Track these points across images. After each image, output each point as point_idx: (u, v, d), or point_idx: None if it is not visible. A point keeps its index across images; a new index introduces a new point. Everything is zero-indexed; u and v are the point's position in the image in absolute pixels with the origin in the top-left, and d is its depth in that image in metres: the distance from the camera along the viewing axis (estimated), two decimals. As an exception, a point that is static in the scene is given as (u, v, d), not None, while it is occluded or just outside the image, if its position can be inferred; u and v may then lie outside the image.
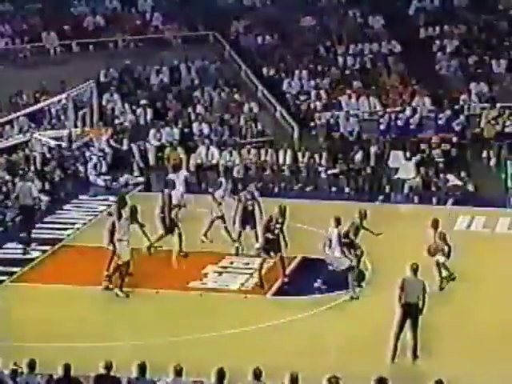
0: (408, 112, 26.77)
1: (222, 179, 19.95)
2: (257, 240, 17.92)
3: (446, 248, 16.84)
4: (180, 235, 17.98)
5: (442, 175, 23.50)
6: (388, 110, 27.12)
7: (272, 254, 17.23)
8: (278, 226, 17.20)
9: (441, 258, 16.84)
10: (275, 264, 17.91)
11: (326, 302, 16.34)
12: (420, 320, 14.02)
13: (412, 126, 26.40)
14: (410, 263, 14.62)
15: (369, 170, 23.93)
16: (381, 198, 23.12)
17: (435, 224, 17.04)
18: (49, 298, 16.71)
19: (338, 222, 16.79)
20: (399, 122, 26.51)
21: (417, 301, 14.01)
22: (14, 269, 18.10)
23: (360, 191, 23.66)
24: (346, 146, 25.24)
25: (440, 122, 26.37)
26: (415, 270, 14.27)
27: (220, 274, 17.82)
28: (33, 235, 19.46)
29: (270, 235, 17.09)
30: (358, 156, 24.32)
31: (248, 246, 18.55)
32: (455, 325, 15.36)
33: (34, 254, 18.77)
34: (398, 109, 27.12)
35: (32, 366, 11.71)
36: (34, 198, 19.55)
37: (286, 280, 17.31)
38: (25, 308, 16.15)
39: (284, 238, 17.27)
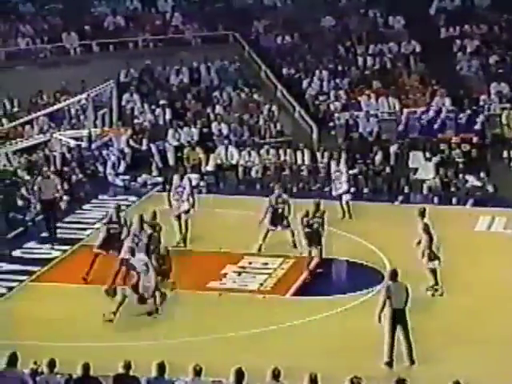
0: (428, 112, 26.70)
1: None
2: (293, 239, 18.14)
3: (424, 241, 16.38)
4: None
5: (461, 176, 23.42)
6: (408, 110, 27.06)
7: (313, 247, 17.36)
8: (315, 220, 17.39)
9: (432, 264, 16.54)
10: (294, 264, 17.96)
11: (346, 302, 16.32)
12: (409, 324, 13.95)
13: (432, 127, 26.32)
14: (388, 269, 14.63)
15: (388, 171, 23.88)
16: (400, 198, 23.07)
17: (422, 214, 16.74)
18: (68, 297, 16.78)
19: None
20: (419, 123, 26.43)
21: (404, 306, 13.95)
22: (34, 268, 18.21)
23: (379, 192, 23.63)
24: (365, 147, 25.20)
25: (460, 123, 26.27)
26: (395, 275, 14.20)
27: (239, 274, 17.84)
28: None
29: (307, 229, 17.36)
30: (378, 157, 24.27)
31: (268, 246, 18.56)
32: (471, 328, 15.29)
33: (54, 254, 18.86)
34: (417, 109, 27.04)
35: (52, 365, 11.76)
36: (57, 191, 19.71)
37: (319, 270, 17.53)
38: (44, 307, 16.22)
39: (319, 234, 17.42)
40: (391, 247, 18.35)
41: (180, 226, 18.90)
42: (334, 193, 20.29)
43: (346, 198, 20.10)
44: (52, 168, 23.67)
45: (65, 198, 22.55)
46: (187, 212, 18.87)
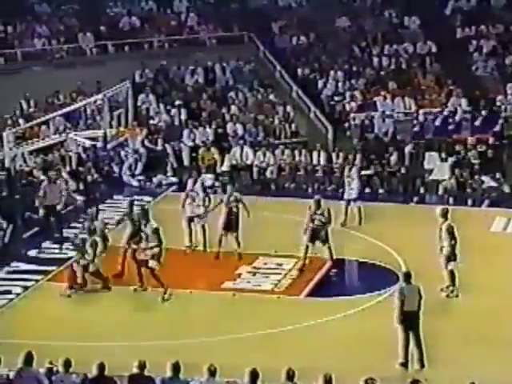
0: (444, 113, 26.64)
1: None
2: (237, 243, 18.10)
3: (448, 242, 16.26)
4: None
5: (477, 176, 23.36)
6: (423, 110, 27.00)
7: (317, 242, 17.46)
8: (317, 216, 17.36)
9: (451, 265, 16.48)
10: (309, 264, 17.96)
11: (360, 303, 16.30)
12: (421, 327, 13.90)
13: (448, 127, 26.25)
14: (402, 271, 14.59)
15: (403, 171, 23.84)
16: (415, 199, 23.02)
17: (445, 215, 16.47)
18: (84, 297, 16.85)
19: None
20: (435, 123, 26.38)
21: (416, 308, 13.90)
22: (50, 268, 18.29)
23: (394, 192, 23.60)
24: (381, 147, 25.17)
25: (476, 123, 26.20)
26: (409, 277, 14.15)
27: (253, 274, 17.85)
28: (68, 234, 19.70)
29: (310, 224, 17.46)
30: (394, 157, 24.23)
31: (282, 247, 18.54)
32: (487, 329, 15.23)
33: (70, 254, 18.92)
34: (433, 110, 26.98)
35: (67, 365, 11.81)
36: (62, 196, 19.73)
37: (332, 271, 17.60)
38: (60, 307, 16.30)
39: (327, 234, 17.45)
40: (406, 248, 18.32)
41: (190, 230, 18.87)
42: (344, 197, 20.21)
43: (356, 203, 19.96)
44: (67, 168, 23.78)
45: (80, 198, 22.72)
46: (201, 217, 18.86)
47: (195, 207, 18.78)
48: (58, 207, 19.76)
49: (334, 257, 17.84)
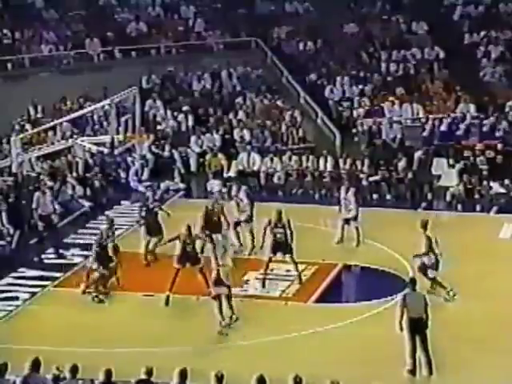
0: (452, 119, 26.62)
1: None
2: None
3: (431, 252, 16.48)
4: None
5: (485, 182, 23.32)
6: (431, 116, 27.00)
7: (279, 254, 17.46)
8: (278, 230, 17.41)
9: (431, 273, 16.56)
10: (317, 271, 17.96)
11: (368, 309, 16.29)
12: (428, 334, 13.88)
13: (456, 133, 26.23)
14: (409, 277, 14.59)
15: (411, 177, 23.82)
16: (423, 205, 23.01)
17: (424, 226, 16.75)
18: (90, 303, 16.88)
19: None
20: (443, 129, 26.37)
21: (421, 315, 13.88)
22: (57, 274, 18.33)
23: (402, 198, 23.59)
24: (389, 153, 25.16)
25: (484, 129, 26.17)
26: (413, 284, 14.15)
27: (263, 283, 17.82)
28: (73, 240, 19.78)
29: (272, 239, 17.45)
30: (402, 163, 24.22)
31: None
32: (495, 336, 15.20)
33: (76, 260, 18.95)
34: (441, 115, 26.97)
35: (74, 370, 11.82)
36: (54, 208, 19.76)
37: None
38: (67, 313, 16.33)
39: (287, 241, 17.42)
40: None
41: (237, 232, 19.12)
42: (342, 216, 19.93)
43: (354, 224, 19.82)
44: (74, 174, 23.84)
45: (87, 204, 22.78)
46: (247, 221, 19.09)
47: (240, 213, 19.05)
48: (54, 219, 19.78)
49: (299, 271, 17.69)
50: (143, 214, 19.07)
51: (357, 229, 19.57)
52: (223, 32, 30.91)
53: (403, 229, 20.23)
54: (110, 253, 17.19)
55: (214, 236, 18.09)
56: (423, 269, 16.56)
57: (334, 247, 19.32)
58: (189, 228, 16.89)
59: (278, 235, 17.51)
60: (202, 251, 17.61)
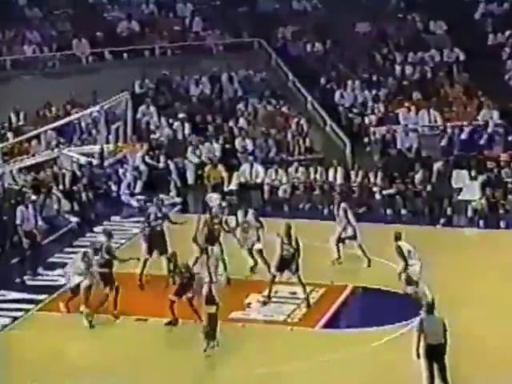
0: (473, 127, 26.71)
1: None
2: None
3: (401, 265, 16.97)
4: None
5: (510, 197, 23.40)
6: (451, 124, 27.11)
7: (287, 273, 17.49)
8: (285, 247, 17.48)
9: (410, 289, 16.91)
10: (326, 293, 18.03)
11: (382, 335, 16.32)
12: (447, 362, 13.94)
13: (478, 142, 26.32)
14: (425, 301, 14.68)
15: (429, 190, 23.89)
16: (442, 221, 23.08)
17: (396, 238, 17.28)
18: (77, 327, 16.93)
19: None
20: (463, 138, 26.46)
21: (439, 341, 13.94)
22: (41, 296, 18.39)
23: (419, 214, 23.66)
24: (404, 164, 25.25)
25: (509, 138, 26.27)
26: (431, 308, 14.23)
27: (264, 303, 17.91)
28: (59, 260, 19.88)
29: (280, 253, 17.51)
30: (418, 175, 24.29)
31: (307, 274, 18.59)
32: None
33: (62, 281, 18.98)
34: (462, 123, 27.08)
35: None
36: (36, 222, 19.84)
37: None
38: (52, 339, 16.35)
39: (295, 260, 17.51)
40: (432, 275, 18.36)
41: (253, 257, 19.16)
42: (336, 235, 19.96)
43: (355, 243, 19.85)
44: (61, 187, 23.94)
45: (74, 219, 22.87)
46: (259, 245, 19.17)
47: (249, 238, 19.02)
48: (38, 237, 19.90)
49: (305, 294, 17.81)
50: (146, 232, 19.01)
51: (360, 247, 19.61)
52: (223, 32, 31.09)
53: (420, 247, 20.29)
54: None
55: (209, 247, 18.11)
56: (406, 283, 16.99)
57: (343, 268, 19.38)
58: (174, 254, 17.11)
59: (285, 252, 17.59)
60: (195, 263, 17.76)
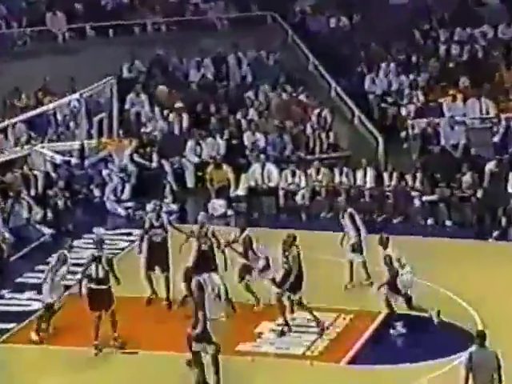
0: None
1: None
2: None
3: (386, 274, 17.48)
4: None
5: None
6: (506, 115, 27.09)
7: (290, 293, 17.60)
8: (284, 259, 17.56)
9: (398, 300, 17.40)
10: (353, 321, 18.03)
11: (420, 372, 16.31)
12: None
13: (539, 138, 26.37)
14: (476, 330, 14.67)
15: (480, 196, 23.88)
16: (495, 234, 23.07)
17: (382, 243, 17.75)
18: (52, 362, 16.96)
19: None
20: (522, 133, 26.51)
21: (490, 379, 13.93)
22: (8, 325, 18.41)
23: (467, 225, 23.65)
24: (449, 165, 25.25)
25: None
26: (482, 340, 14.20)
27: (282, 333, 17.90)
28: (29, 280, 19.91)
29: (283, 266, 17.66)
30: (466, 178, 24.29)
31: (318, 297, 18.58)
32: None
33: (35, 306, 19.00)
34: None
35: None
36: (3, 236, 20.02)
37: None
38: (23, 378, 16.39)
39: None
40: (485, 300, 18.34)
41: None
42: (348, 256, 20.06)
43: (357, 259, 19.84)
44: (32, 191, 23.98)
45: (48, 231, 22.89)
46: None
47: (254, 262, 18.92)
48: (3, 253, 20.00)
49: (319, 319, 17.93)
50: (144, 244, 19.02)
51: (364, 265, 19.58)
52: (228, 3, 31.13)
53: (469, 265, 20.30)
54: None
55: (206, 275, 17.96)
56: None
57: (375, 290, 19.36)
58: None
59: (285, 265, 17.61)
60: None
